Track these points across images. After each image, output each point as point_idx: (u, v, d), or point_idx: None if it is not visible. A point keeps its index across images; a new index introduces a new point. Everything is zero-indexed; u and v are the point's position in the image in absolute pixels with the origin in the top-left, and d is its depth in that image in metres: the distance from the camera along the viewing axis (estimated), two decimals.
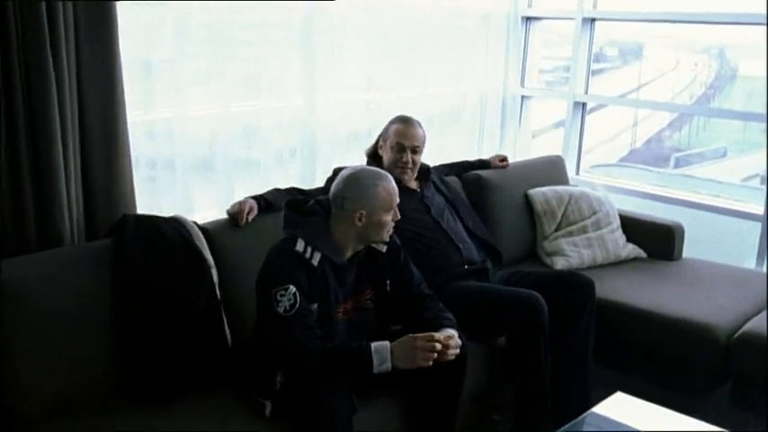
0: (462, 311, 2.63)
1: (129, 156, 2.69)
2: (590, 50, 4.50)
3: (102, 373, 2.41)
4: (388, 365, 2.22)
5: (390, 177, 2.46)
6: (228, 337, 2.59)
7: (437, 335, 2.29)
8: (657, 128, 6.54)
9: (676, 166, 6.02)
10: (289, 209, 2.45)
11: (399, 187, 3.06)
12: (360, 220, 2.38)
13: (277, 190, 2.98)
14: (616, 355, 3.29)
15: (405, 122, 3.19)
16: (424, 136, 3.22)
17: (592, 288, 3.06)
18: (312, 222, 2.40)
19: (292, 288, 2.26)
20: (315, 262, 2.33)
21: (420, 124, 3.22)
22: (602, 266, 3.69)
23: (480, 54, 4.41)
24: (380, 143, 3.25)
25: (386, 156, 3.21)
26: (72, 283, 2.35)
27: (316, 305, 2.34)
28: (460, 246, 3.15)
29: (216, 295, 2.56)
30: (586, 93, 4.54)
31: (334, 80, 3.61)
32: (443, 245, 3.13)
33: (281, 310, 2.25)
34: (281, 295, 2.25)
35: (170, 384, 2.42)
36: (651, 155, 6.47)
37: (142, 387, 2.40)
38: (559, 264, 3.64)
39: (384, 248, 2.53)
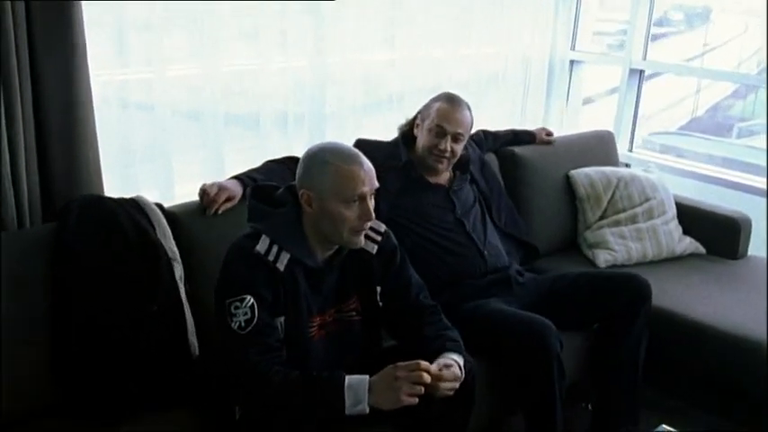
0: (472, 334, 2.21)
1: (94, 125, 2.29)
2: (650, 12, 3.97)
3: (36, 389, 2.03)
4: (363, 407, 1.77)
5: (358, 160, 1.93)
6: (194, 344, 2.18)
7: (425, 363, 1.82)
8: (721, 96, 6.27)
9: (739, 136, 5.79)
10: (254, 197, 2.00)
11: (422, 181, 2.71)
12: (307, 203, 1.92)
13: (272, 162, 2.54)
14: (663, 374, 2.86)
15: (451, 102, 2.71)
16: (472, 122, 2.76)
17: (648, 291, 2.65)
18: (279, 215, 1.94)
19: (249, 299, 1.83)
20: (281, 265, 1.89)
21: (468, 106, 2.75)
22: (652, 263, 3.23)
23: (524, 11, 3.89)
24: (417, 121, 2.78)
25: (421, 138, 2.75)
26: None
27: (282, 318, 1.91)
28: (485, 252, 2.72)
29: (177, 295, 2.15)
30: (644, 59, 3.99)
31: (349, 37, 3.15)
32: (464, 250, 2.71)
33: (234, 325, 1.82)
34: (236, 308, 1.83)
35: (118, 402, 2.03)
36: (713, 124, 6.30)
37: (84, 405, 2.02)
38: (601, 258, 3.18)
39: (374, 248, 2.07)
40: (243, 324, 1.81)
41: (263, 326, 1.84)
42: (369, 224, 1.96)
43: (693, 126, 5.90)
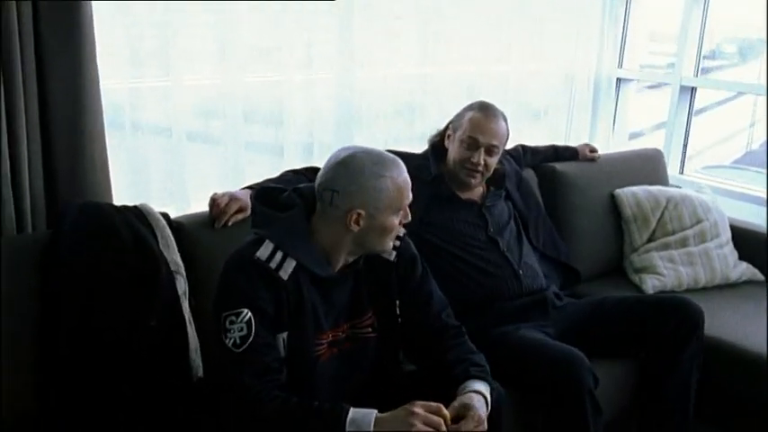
0: (500, 361, 2.02)
1: (103, 131, 2.19)
2: (702, 29, 3.77)
3: (21, 410, 1.87)
4: None
5: (402, 165, 1.79)
6: (197, 364, 2.02)
7: (446, 412, 1.62)
8: None
9: None
10: (258, 200, 1.83)
11: (453, 196, 2.55)
12: (356, 222, 1.74)
13: (291, 172, 2.39)
14: (716, 409, 2.61)
15: (485, 111, 2.54)
16: (507, 133, 2.58)
17: (700, 317, 2.45)
18: (285, 219, 1.76)
19: (246, 312, 1.65)
20: (284, 274, 1.71)
21: (504, 117, 2.57)
22: (704, 290, 3.01)
23: (568, 26, 3.72)
24: (449, 132, 2.61)
25: (452, 150, 2.58)
26: None
27: (285, 335, 1.73)
28: (520, 272, 2.52)
29: (179, 311, 1.99)
30: (696, 75, 3.76)
31: (379, 52, 3.02)
32: (498, 270, 2.52)
33: (229, 342, 1.64)
34: (231, 322, 1.65)
35: (110, 426, 1.86)
36: None
37: (73, 429, 1.86)
38: (649, 283, 2.96)
39: (393, 255, 1.89)
40: (238, 341, 1.64)
41: (261, 344, 1.66)
42: None
43: (748, 160, 5.55)
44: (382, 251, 1.84)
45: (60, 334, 1.87)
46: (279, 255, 1.71)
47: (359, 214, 1.73)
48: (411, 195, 1.80)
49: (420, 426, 1.55)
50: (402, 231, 1.91)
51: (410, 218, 1.83)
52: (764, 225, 3.24)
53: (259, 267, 1.69)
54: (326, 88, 2.94)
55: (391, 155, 1.80)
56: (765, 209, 3.23)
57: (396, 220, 1.79)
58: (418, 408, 1.58)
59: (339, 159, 1.74)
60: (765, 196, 3.46)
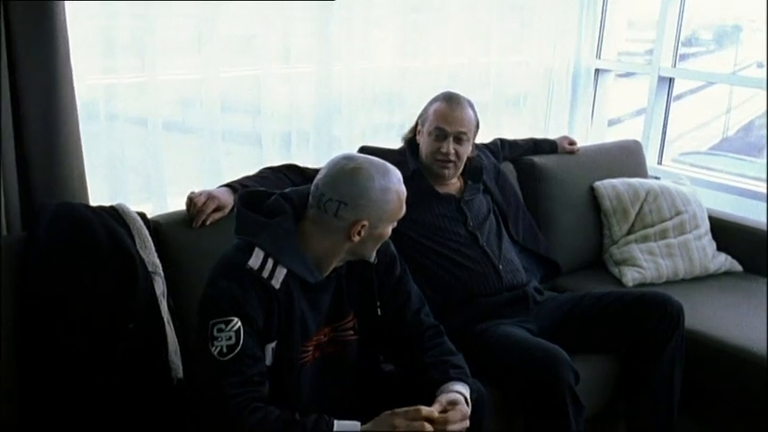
0: (479, 359, 2.03)
1: (77, 130, 2.15)
2: (680, 19, 3.77)
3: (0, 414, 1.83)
4: None
5: (399, 173, 1.79)
6: (177, 366, 1.98)
7: (426, 410, 1.61)
8: (753, 115, 5.94)
9: None
10: (244, 205, 1.79)
11: (431, 191, 2.54)
12: (359, 233, 1.72)
13: (269, 170, 2.35)
14: (698, 402, 2.62)
15: (448, 101, 2.52)
16: (475, 120, 2.55)
17: (680, 315, 2.44)
18: (275, 226, 1.73)
19: (236, 321, 1.62)
20: (276, 282, 1.68)
21: (470, 104, 2.55)
22: (683, 281, 3.01)
23: (547, 18, 3.70)
24: (419, 127, 2.59)
25: (423, 143, 2.56)
26: None
27: (273, 344, 1.71)
28: (500, 267, 2.50)
29: (158, 312, 1.96)
30: (674, 66, 3.77)
31: (358, 42, 2.97)
32: (478, 265, 2.49)
33: (215, 350, 1.61)
34: (219, 330, 1.61)
35: (90, 428, 1.83)
36: (745, 144, 5.89)
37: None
38: (629, 276, 2.95)
39: (373, 257, 1.86)
40: (224, 350, 1.60)
41: (247, 355, 1.62)
42: None
43: (725, 146, 5.56)
44: (369, 257, 1.83)
45: (38, 337, 1.83)
46: (270, 263, 1.68)
47: (363, 226, 1.71)
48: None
49: None
50: None
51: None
52: (743, 216, 3.25)
53: (251, 276, 1.66)
54: (305, 79, 2.90)
55: (390, 165, 1.78)
56: (765, 204, 3.22)
57: (390, 229, 1.80)
58: (399, 419, 1.57)
59: (345, 170, 1.71)
60: (742, 186, 3.50)
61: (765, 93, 3.32)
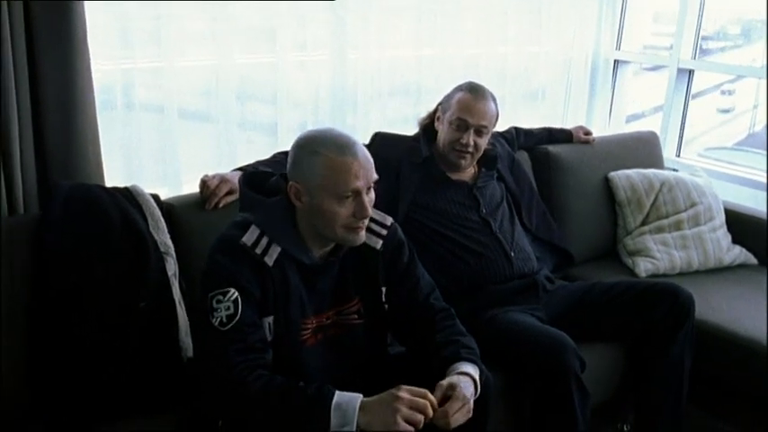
0: (488, 345, 2.02)
1: (94, 106, 2.18)
2: (701, 10, 3.72)
3: (12, 392, 1.88)
4: (351, 429, 1.56)
5: (353, 149, 1.70)
6: (187, 345, 2.02)
7: (432, 397, 1.62)
8: None
9: None
10: (246, 184, 1.83)
11: (443, 177, 2.52)
12: (297, 197, 1.73)
13: (283, 154, 2.36)
14: (708, 394, 2.63)
15: (473, 92, 2.51)
16: (497, 114, 2.56)
17: (690, 305, 2.44)
18: (271, 205, 1.76)
19: (233, 292, 1.65)
20: (269, 259, 1.71)
21: (493, 97, 2.55)
22: (697, 273, 3.00)
23: (566, 7, 3.67)
24: (438, 113, 2.59)
25: (442, 131, 2.56)
26: None
27: (271, 319, 1.73)
28: (512, 254, 2.51)
29: (169, 292, 2.00)
30: (694, 58, 3.74)
31: (374, 33, 2.99)
32: (489, 251, 2.50)
33: (215, 321, 1.64)
34: (218, 301, 1.65)
35: (98, 406, 1.88)
36: None
37: (63, 411, 1.87)
38: (642, 267, 2.95)
39: (379, 243, 1.88)
40: (224, 320, 1.64)
41: (247, 323, 1.66)
42: (366, 221, 1.77)
43: (750, 142, 5.50)
44: (343, 242, 1.78)
45: (50, 314, 1.88)
46: (264, 240, 1.71)
47: (297, 188, 1.72)
48: (360, 185, 1.70)
49: (405, 410, 1.55)
50: (389, 220, 1.91)
51: (368, 213, 1.74)
52: (760, 209, 3.22)
53: (245, 252, 1.69)
54: (321, 67, 2.92)
55: (346, 138, 1.73)
56: (766, 194, 3.22)
57: (338, 208, 1.70)
58: (404, 392, 1.57)
59: (296, 140, 1.77)
60: (765, 181, 3.47)
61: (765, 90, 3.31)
